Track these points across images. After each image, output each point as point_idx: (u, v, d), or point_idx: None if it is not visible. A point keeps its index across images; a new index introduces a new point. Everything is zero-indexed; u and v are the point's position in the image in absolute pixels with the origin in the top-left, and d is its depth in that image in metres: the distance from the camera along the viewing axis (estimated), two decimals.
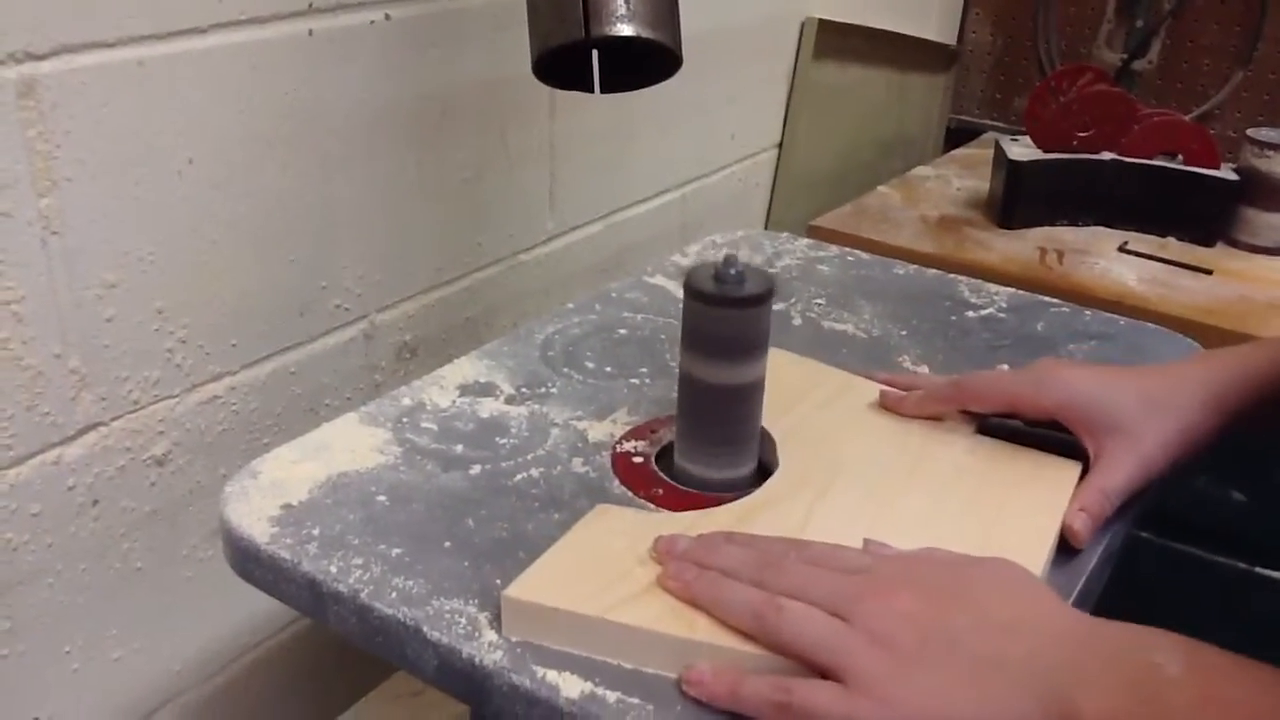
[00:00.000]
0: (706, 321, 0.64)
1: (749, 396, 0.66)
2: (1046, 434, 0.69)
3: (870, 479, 0.66)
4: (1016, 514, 0.63)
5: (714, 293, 0.63)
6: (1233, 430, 0.68)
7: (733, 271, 0.63)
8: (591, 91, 0.78)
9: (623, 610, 0.53)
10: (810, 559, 0.54)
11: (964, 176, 1.63)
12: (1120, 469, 0.66)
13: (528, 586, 0.55)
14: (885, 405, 0.73)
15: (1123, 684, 0.44)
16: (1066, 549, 0.63)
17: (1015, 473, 0.67)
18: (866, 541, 0.58)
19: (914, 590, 0.51)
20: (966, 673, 0.47)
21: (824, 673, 0.49)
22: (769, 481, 0.66)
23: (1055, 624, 0.49)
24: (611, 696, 0.51)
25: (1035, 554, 0.59)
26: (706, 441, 0.67)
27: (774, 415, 0.69)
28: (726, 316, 0.63)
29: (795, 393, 0.75)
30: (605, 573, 0.56)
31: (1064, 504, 0.64)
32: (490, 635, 0.55)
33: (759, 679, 0.49)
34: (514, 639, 0.54)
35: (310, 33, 0.84)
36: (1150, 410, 0.67)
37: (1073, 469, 0.67)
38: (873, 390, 0.75)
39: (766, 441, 0.69)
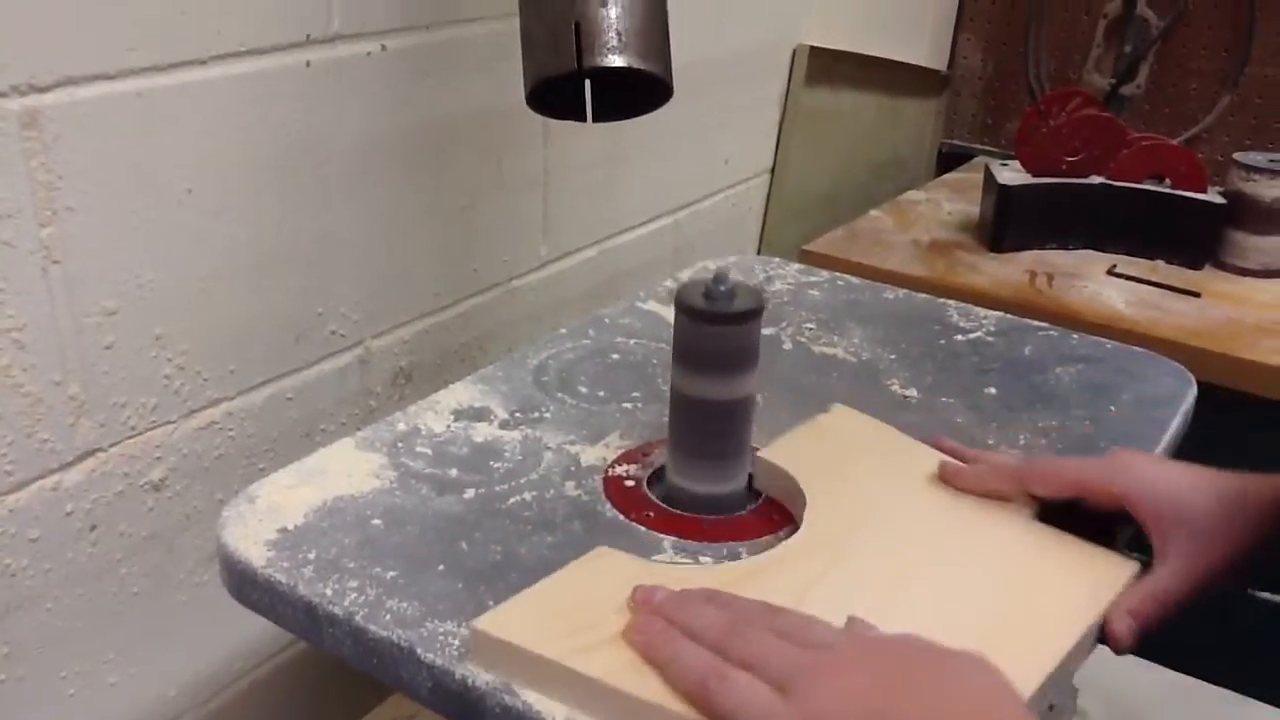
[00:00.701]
0: (697, 337, 0.65)
1: (739, 411, 0.67)
2: (1109, 520, 0.65)
3: (896, 550, 0.63)
4: (1044, 606, 0.59)
5: (704, 309, 0.64)
6: None
7: (723, 288, 0.64)
8: (584, 121, 0.79)
9: (581, 658, 0.52)
10: (779, 629, 0.51)
11: (955, 200, 1.65)
12: (1184, 573, 0.60)
13: (497, 621, 0.55)
14: (943, 476, 0.68)
15: None
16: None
17: (1059, 562, 0.62)
18: (851, 619, 0.53)
19: (868, 673, 0.48)
20: None
21: None
22: (787, 540, 0.64)
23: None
24: None
25: (1044, 653, 0.55)
26: (697, 456, 0.68)
27: (815, 471, 0.67)
28: (716, 332, 0.64)
29: (847, 451, 0.72)
30: (580, 617, 0.55)
31: (1102, 603, 0.59)
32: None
33: None
34: (477, 669, 0.55)
35: (308, 64, 0.85)
36: (1227, 514, 0.61)
37: (1127, 567, 0.62)
38: (933, 459, 0.70)
39: (797, 498, 0.67)
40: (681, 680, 0.50)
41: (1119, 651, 0.58)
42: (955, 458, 0.71)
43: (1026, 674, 0.52)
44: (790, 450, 0.71)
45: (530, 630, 0.54)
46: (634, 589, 0.56)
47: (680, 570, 0.62)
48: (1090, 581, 0.60)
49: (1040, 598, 0.59)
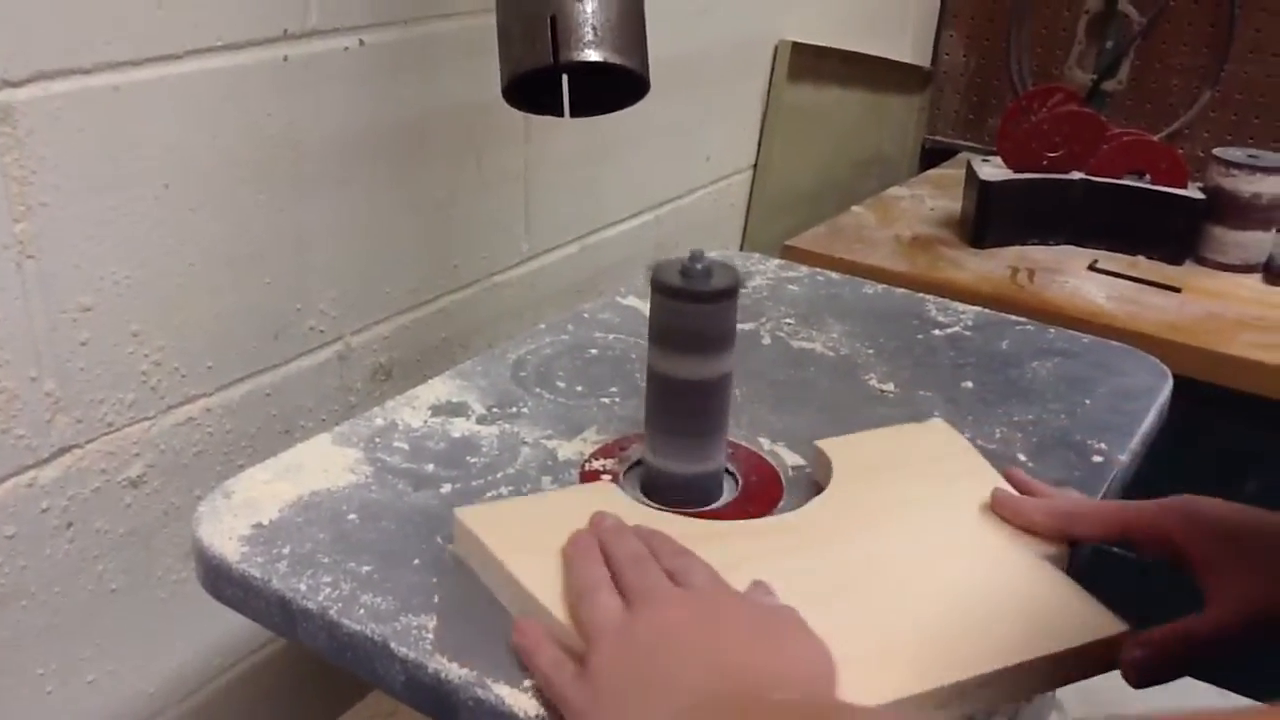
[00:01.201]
0: (673, 316, 0.65)
1: (716, 390, 0.67)
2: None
3: (870, 551, 0.63)
4: (987, 632, 0.57)
5: (680, 287, 0.64)
6: None
7: (699, 266, 0.64)
8: (562, 115, 0.79)
9: (516, 560, 0.59)
10: (671, 566, 0.56)
11: (937, 196, 1.66)
12: (1221, 617, 0.56)
13: (475, 514, 0.63)
14: (992, 501, 0.67)
15: (730, 706, 0.45)
16: None
17: (1039, 603, 0.59)
18: (755, 583, 0.56)
19: (688, 610, 0.52)
20: (645, 686, 0.48)
21: None
22: (770, 519, 0.66)
23: (745, 671, 0.48)
24: None
25: (947, 669, 0.54)
26: (675, 435, 0.68)
27: (858, 467, 0.69)
28: (692, 311, 0.65)
29: (906, 458, 0.72)
30: (539, 527, 0.61)
31: (1056, 647, 0.56)
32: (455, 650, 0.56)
33: (550, 651, 0.54)
34: (458, 554, 0.62)
35: (285, 59, 0.85)
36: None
37: (1109, 624, 0.58)
38: (988, 485, 0.68)
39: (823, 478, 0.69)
40: (570, 590, 0.56)
41: (1131, 682, 0.56)
42: (1021, 489, 0.69)
43: (908, 681, 0.52)
44: (850, 444, 0.72)
45: (496, 529, 0.61)
46: (594, 513, 0.62)
47: (655, 514, 0.65)
48: (1059, 626, 0.58)
49: (992, 625, 0.57)
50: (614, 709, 0.48)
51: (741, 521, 0.66)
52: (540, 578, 0.58)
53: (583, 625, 0.53)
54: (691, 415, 0.67)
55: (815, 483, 0.71)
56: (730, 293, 0.65)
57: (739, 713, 0.45)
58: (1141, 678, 0.56)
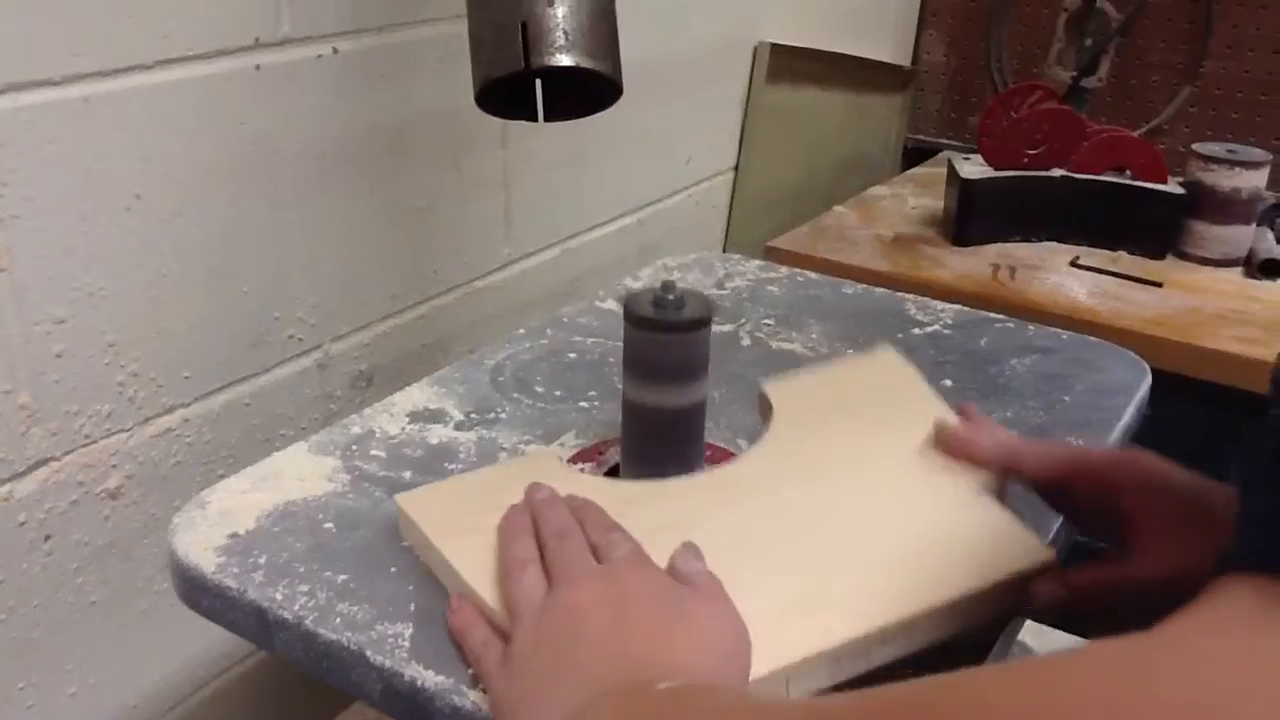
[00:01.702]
0: (646, 346, 0.65)
1: (689, 419, 0.67)
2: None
3: (805, 501, 0.63)
4: (923, 567, 0.57)
5: (653, 318, 0.64)
6: None
7: (671, 297, 0.64)
8: (535, 121, 0.79)
9: (448, 540, 0.60)
10: (595, 539, 0.56)
11: (920, 195, 1.66)
12: (1152, 569, 0.56)
13: (413, 498, 0.64)
14: (937, 436, 0.67)
15: (620, 697, 0.46)
16: None
17: (973, 532, 0.60)
18: (681, 548, 0.56)
19: (600, 590, 0.52)
20: (551, 672, 0.49)
21: None
22: (705, 472, 0.67)
23: (643, 660, 0.49)
24: None
25: (885, 609, 0.54)
26: (650, 463, 0.68)
27: (799, 408, 0.69)
28: (665, 341, 0.65)
29: (856, 394, 0.72)
30: (476, 505, 0.62)
31: (989, 578, 0.57)
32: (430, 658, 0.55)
33: (480, 629, 0.55)
34: (404, 542, 0.63)
35: (258, 68, 0.85)
36: (1224, 523, 0.58)
37: (1040, 552, 0.59)
38: (939, 418, 0.68)
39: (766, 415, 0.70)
40: (501, 564, 0.57)
41: (1037, 616, 0.58)
42: (968, 417, 0.69)
43: (853, 623, 0.53)
44: (794, 385, 0.73)
45: (433, 513, 0.62)
46: (528, 485, 0.62)
47: (590, 481, 0.66)
48: (994, 558, 0.58)
49: (926, 561, 0.58)
50: (527, 695, 0.49)
51: (677, 479, 0.65)
52: (473, 560, 0.58)
53: (508, 603, 0.54)
54: (666, 443, 0.67)
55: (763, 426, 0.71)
56: (702, 323, 0.65)
57: (625, 704, 0.46)
58: (1051, 614, 0.57)
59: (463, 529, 0.60)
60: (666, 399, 0.66)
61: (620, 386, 0.70)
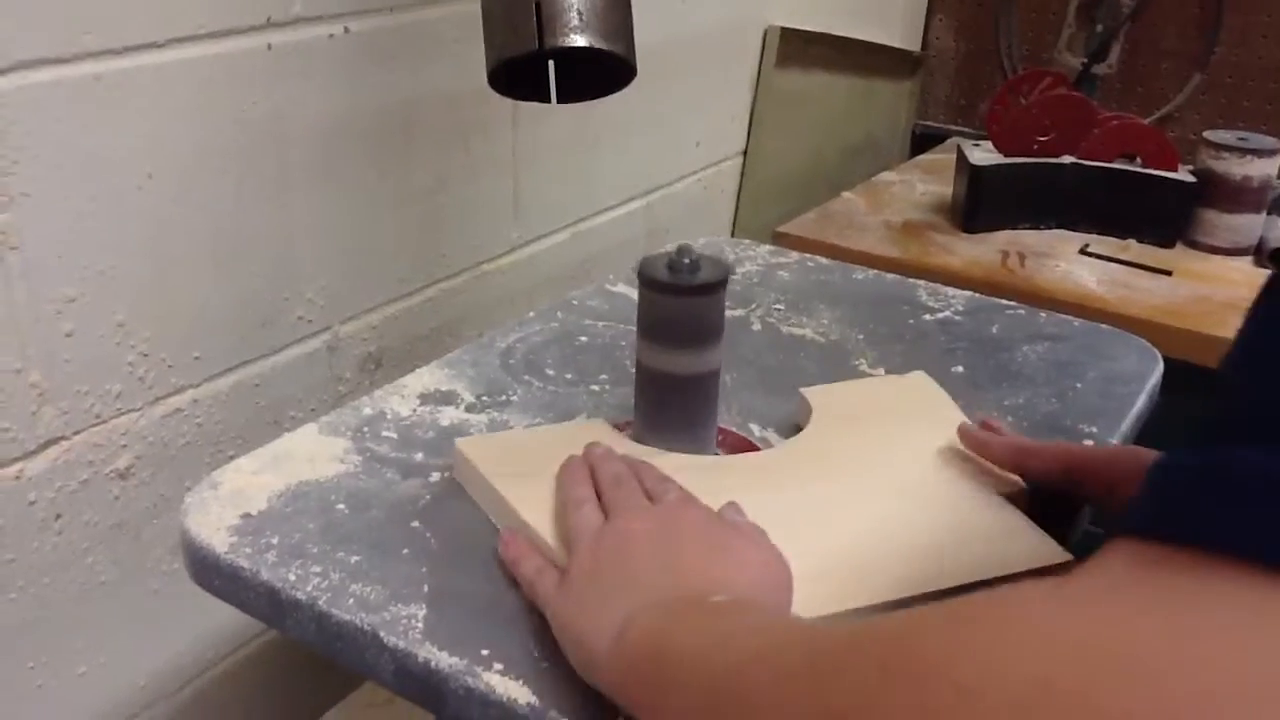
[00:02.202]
0: (661, 309, 0.65)
1: (704, 384, 0.67)
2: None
3: (834, 491, 0.65)
4: (929, 556, 0.59)
5: (668, 281, 0.64)
6: None
7: (686, 260, 0.64)
8: (548, 101, 0.79)
9: (506, 482, 0.64)
10: (649, 486, 0.59)
11: (928, 181, 1.65)
12: None
13: (473, 443, 0.68)
14: (959, 433, 0.69)
15: (667, 608, 0.48)
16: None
17: (992, 531, 0.62)
18: (728, 504, 0.60)
19: (651, 520, 0.55)
20: (608, 590, 0.52)
21: None
22: (747, 455, 0.69)
23: (692, 576, 0.51)
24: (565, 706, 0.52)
25: (889, 587, 0.57)
26: (664, 429, 0.67)
27: (836, 413, 0.72)
28: (680, 305, 0.64)
29: (889, 406, 0.76)
30: (534, 455, 0.65)
31: (989, 572, 0.58)
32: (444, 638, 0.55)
33: (534, 559, 0.58)
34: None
35: (269, 47, 0.84)
36: None
37: (1055, 555, 0.60)
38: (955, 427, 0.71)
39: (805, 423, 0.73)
40: (559, 504, 0.61)
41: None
42: (993, 431, 0.71)
43: (861, 593, 0.56)
44: (832, 392, 0.77)
45: (491, 457, 0.66)
46: (588, 443, 0.65)
47: (640, 448, 0.68)
48: (1006, 554, 0.60)
49: (942, 550, 0.60)
50: (585, 611, 0.52)
51: (716, 458, 0.69)
52: (529, 500, 0.62)
53: (566, 535, 0.57)
54: (680, 408, 0.67)
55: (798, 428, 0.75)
56: (718, 286, 0.64)
57: (676, 611, 0.48)
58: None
59: (519, 471, 0.64)
60: (681, 363, 0.66)
61: (633, 370, 0.69)
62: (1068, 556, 0.60)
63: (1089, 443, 0.76)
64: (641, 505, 0.57)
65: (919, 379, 0.80)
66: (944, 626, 0.32)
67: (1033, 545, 0.61)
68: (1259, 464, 0.28)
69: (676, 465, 0.64)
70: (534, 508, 0.62)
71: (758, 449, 0.74)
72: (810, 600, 0.54)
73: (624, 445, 0.68)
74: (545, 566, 0.57)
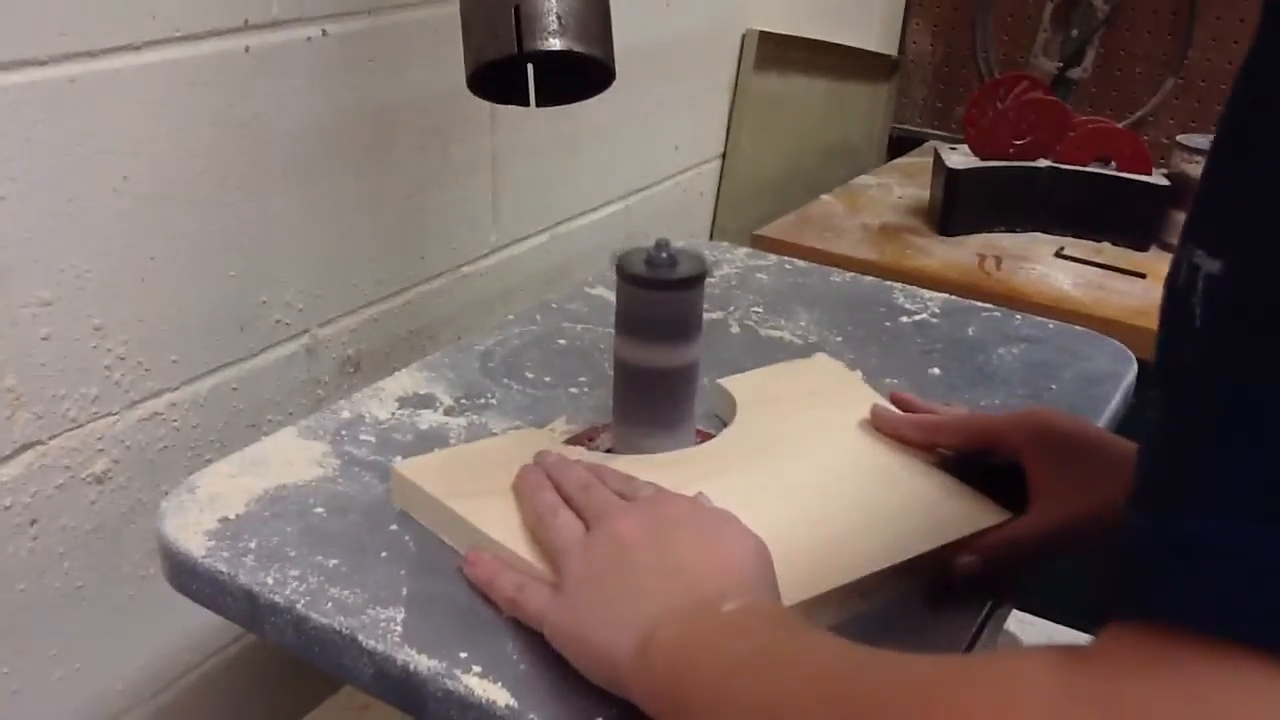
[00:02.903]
0: (639, 304, 0.65)
1: (683, 378, 0.67)
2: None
3: (781, 470, 0.67)
4: (889, 527, 0.62)
5: (646, 275, 0.64)
6: None
7: (664, 255, 0.64)
8: (527, 105, 0.79)
9: (459, 501, 0.62)
10: (617, 487, 0.60)
11: (905, 185, 1.66)
12: (1038, 524, 0.63)
13: (413, 465, 0.66)
14: (872, 416, 0.73)
15: (687, 617, 0.49)
16: (952, 600, 0.62)
17: (931, 498, 0.66)
18: (698, 494, 0.60)
19: (639, 520, 0.55)
20: (616, 595, 0.52)
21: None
22: (692, 448, 0.69)
23: (699, 577, 0.52)
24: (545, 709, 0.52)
25: (862, 562, 0.59)
26: (642, 424, 0.68)
27: (758, 403, 0.73)
28: (658, 299, 0.64)
29: (803, 390, 0.78)
30: (479, 471, 0.65)
31: (947, 537, 0.62)
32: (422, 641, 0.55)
33: (510, 575, 0.57)
34: (397, 507, 0.64)
35: (247, 49, 0.84)
36: (1091, 471, 0.63)
37: (994, 515, 0.64)
38: (871, 403, 0.75)
39: (727, 414, 0.75)
40: (528, 515, 0.60)
41: (954, 576, 0.61)
42: (907, 408, 0.76)
43: (830, 574, 0.58)
44: (749, 381, 0.79)
45: (433, 477, 0.64)
46: (537, 451, 0.65)
47: (585, 451, 0.68)
48: (947, 520, 0.64)
49: (890, 521, 0.63)
50: (592, 621, 0.51)
51: (651, 456, 0.68)
52: (490, 516, 0.61)
53: (547, 546, 0.57)
54: (658, 403, 0.67)
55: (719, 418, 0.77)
56: (696, 280, 0.65)
57: (696, 629, 0.48)
58: (963, 578, 0.61)
59: (473, 490, 0.63)
60: (659, 358, 0.66)
61: (611, 373, 0.70)
62: (1006, 514, 0.64)
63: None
64: (621, 505, 0.57)
65: (822, 360, 0.83)
66: (959, 691, 0.35)
67: (975, 508, 0.65)
68: (1254, 540, 0.29)
69: (622, 468, 0.64)
70: (498, 524, 0.61)
71: (732, 399, 0.76)
72: (785, 585, 0.54)
73: (566, 452, 0.67)
74: (526, 582, 0.56)
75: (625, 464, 0.65)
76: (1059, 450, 0.65)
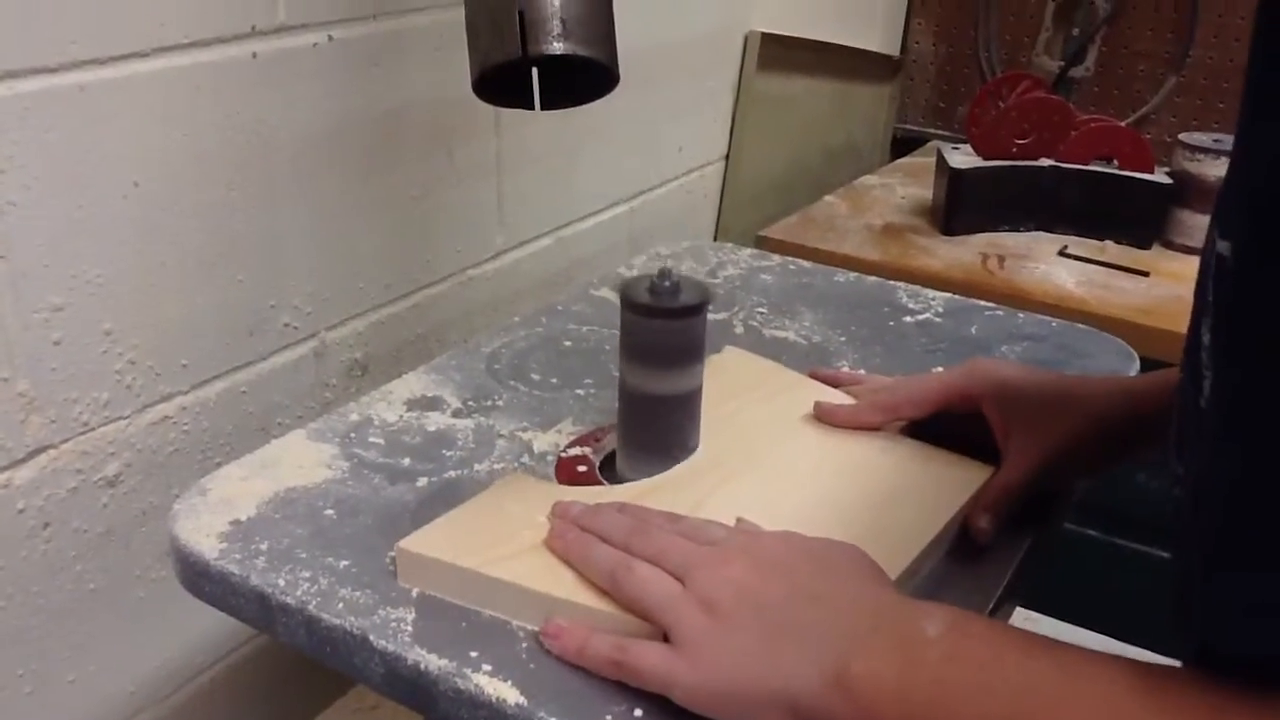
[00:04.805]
0: (642, 332, 0.66)
1: (686, 404, 0.68)
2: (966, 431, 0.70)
3: (778, 468, 0.68)
4: (907, 508, 0.65)
5: (649, 304, 0.65)
6: (1158, 440, 0.67)
7: (667, 283, 0.65)
8: (532, 108, 0.80)
9: (497, 566, 0.58)
10: (678, 530, 0.57)
11: (908, 185, 1.67)
12: (1022, 465, 0.66)
13: (420, 540, 0.61)
14: (818, 415, 0.74)
15: (887, 646, 0.48)
16: (984, 546, 0.65)
17: (923, 470, 0.69)
18: (739, 520, 0.60)
19: (746, 562, 0.53)
20: (765, 638, 0.50)
21: (663, 632, 0.52)
22: (680, 464, 0.69)
23: (853, 597, 0.51)
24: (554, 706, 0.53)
25: (907, 546, 0.61)
26: (645, 448, 0.68)
27: (710, 405, 0.71)
28: (661, 327, 0.65)
29: (738, 386, 0.77)
30: (495, 532, 0.61)
31: (958, 502, 0.65)
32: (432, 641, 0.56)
33: (604, 638, 0.53)
34: (409, 588, 0.60)
35: (254, 55, 0.85)
36: (1065, 405, 0.67)
37: (982, 471, 0.68)
38: (815, 390, 0.77)
39: None
40: (595, 574, 0.56)
41: (982, 541, 0.65)
42: (831, 384, 0.78)
43: (889, 566, 0.57)
44: None
45: (451, 547, 0.60)
46: (554, 504, 0.62)
47: (584, 490, 0.67)
48: (947, 484, 0.67)
49: (904, 501, 0.66)
50: (746, 667, 0.49)
51: (651, 480, 0.67)
52: (541, 576, 0.57)
53: (636, 603, 0.54)
54: (661, 430, 0.68)
55: None
56: (698, 309, 0.65)
57: (905, 652, 0.47)
58: (990, 537, 0.65)
59: (503, 554, 0.59)
60: (662, 385, 0.66)
61: (616, 374, 0.70)
62: (989, 467, 0.68)
63: (938, 369, 0.80)
64: (709, 551, 0.55)
65: (737, 354, 0.83)
66: None
67: (965, 469, 0.68)
68: None
69: (622, 497, 0.64)
70: (557, 583, 0.57)
71: None
72: None
73: (557, 493, 0.65)
74: (627, 642, 0.53)
75: (621, 494, 0.65)
76: (1020, 397, 0.68)
